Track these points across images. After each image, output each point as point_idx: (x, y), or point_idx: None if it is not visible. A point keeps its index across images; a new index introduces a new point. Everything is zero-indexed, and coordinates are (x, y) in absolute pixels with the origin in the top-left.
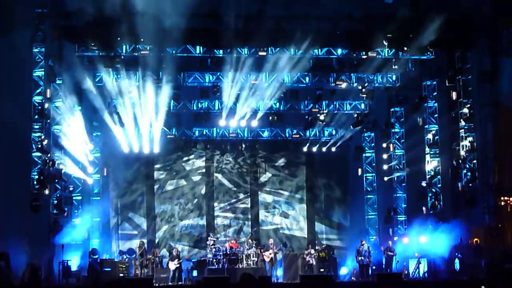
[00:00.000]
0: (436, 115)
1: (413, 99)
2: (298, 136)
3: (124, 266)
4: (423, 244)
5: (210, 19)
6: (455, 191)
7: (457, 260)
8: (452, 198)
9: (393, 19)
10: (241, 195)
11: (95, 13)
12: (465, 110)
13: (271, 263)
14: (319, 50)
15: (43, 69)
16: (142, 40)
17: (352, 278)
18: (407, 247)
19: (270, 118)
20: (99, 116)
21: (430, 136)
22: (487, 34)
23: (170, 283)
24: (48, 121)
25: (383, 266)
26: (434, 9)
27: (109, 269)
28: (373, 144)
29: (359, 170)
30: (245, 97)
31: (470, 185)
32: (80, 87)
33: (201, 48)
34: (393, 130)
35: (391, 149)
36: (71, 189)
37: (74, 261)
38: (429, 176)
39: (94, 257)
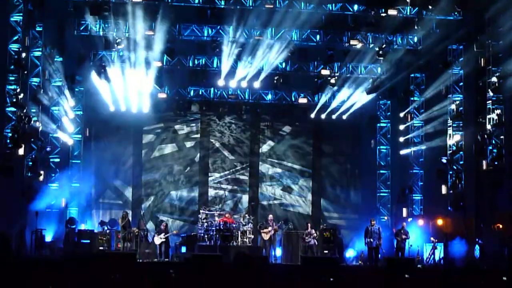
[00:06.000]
0: (461, 84)
1: (436, 65)
2: (305, 101)
3: (104, 239)
4: (440, 227)
5: None
6: (479, 169)
7: (477, 247)
8: (475, 178)
9: None
10: (239, 165)
11: None
12: (494, 79)
13: (270, 242)
14: (333, 5)
15: (21, 14)
16: None
17: (359, 261)
18: (422, 230)
19: (275, 79)
20: (83, 69)
21: (453, 106)
22: None
23: (155, 260)
24: (25, 72)
25: (394, 250)
26: None
27: (88, 241)
28: (389, 114)
29: (372, 142)
30: (248, 55)
31: (496, 163)
32: (63, 36)
33: None
34: (412, 99)
35: (409, 119)
36: (48, 150)
37: (49, 230)
38: (451, 151)
39: (72, 227)
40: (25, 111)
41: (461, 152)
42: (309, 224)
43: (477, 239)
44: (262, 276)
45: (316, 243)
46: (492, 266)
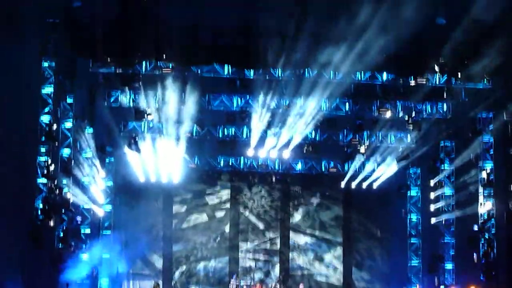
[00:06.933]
0: (491, 152)
1: (466, 133)
2: (335, 170)
3: None
4: None
5: (242, 36)
6: (511, 238)
7: None
8: (507, 246)
9: (446, 42)
10: (270, 235)
11: (112, 25)
12: None
13: None
14: (362, 74)
15: (52, 86)
16: (164, 56)
17: None
18: None
19: (305, 149)
20: (113, 140)
21: (484, 174)
22: None
23: None
24: (56, 144)
25: None
26: (492, 31)
27: None
28: (419, 182)
29: (403, 211)
30: (277, 125)
31: None
32: (93, 107)
33: (229, 67)
34: (442, 167)
35: (440, 187)
36: (79, 221)
37: None
38: (482, 220)
39: None
40: (56, 182)
41: (492, 220)
42: None
43: None
44: None
45: None
46: None
